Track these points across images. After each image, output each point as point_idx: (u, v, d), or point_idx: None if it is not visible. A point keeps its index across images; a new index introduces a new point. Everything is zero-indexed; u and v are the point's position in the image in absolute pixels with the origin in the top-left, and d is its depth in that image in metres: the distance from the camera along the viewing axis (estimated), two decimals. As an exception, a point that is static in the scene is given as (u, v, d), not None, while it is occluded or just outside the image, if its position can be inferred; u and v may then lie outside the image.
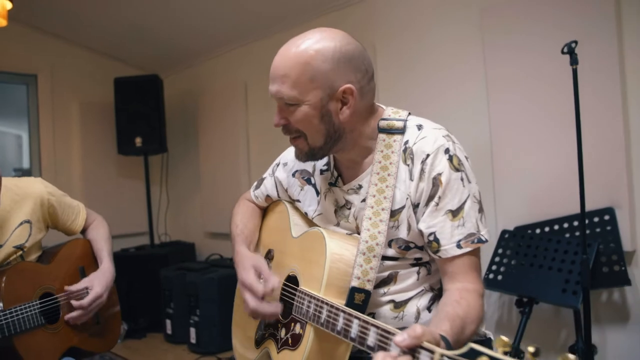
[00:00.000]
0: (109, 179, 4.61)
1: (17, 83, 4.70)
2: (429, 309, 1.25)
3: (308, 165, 1.39)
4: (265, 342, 1.35)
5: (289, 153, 1.47)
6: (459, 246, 1.14)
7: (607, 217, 2.25)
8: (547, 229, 2.42)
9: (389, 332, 0.95)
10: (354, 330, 1.04)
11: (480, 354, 0.78)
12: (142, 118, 4.28)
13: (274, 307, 1.25)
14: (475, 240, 1.15)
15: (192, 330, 3.62)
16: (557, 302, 2.19)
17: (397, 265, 1.23)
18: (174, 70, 4.75)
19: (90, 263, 1.83)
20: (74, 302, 1.61)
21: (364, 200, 1.24)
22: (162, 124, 4.33)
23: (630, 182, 2.25)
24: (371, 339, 0.99)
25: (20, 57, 4.32)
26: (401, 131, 1.21)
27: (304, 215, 1.43)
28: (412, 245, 1.21)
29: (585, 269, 1.83)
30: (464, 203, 1.15)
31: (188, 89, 4.70)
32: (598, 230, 2.26)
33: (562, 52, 1.72)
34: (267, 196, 1.56)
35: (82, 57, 4.60)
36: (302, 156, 1.25)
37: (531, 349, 0.75)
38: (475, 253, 1.17)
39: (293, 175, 1.43)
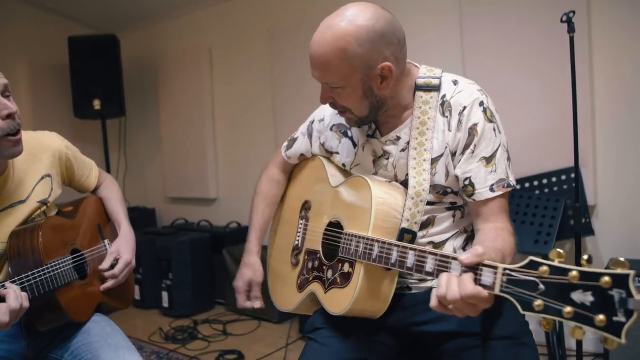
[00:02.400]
0: (63, 144, 4.41)
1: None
2: (464, 248, 1.39)
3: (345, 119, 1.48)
4: (309, 286, 1.44)
5: (324, 110, 1.55)
6: (492, 190, 1.27)
7: (573, 175, 2.49)
8: (518, 186, 2.64)
9: (447, 257, 1.07)
10: (410, 260, 1.15)
11: (541, 264, 0.90)
12: (99, 80, 4.09)
13: (250, 304, 1.62)
14: (506, 185, 1.28)
15: (165, 295, 3.63)
16: (531, 251, 2.43)
17: (435, 209, 1.35)
18: (132, 30, 4.58)
19: (105, 221, 1.82)
20: (106, 273, 1.62)
21: (402, 150, 1.35)
22: (120, 86, 4.18)
23: (594, 144, 2.50)
24: (429, 266, 1.11)
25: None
26: (437, 88, 1.32)
27: (340, 168, 1.53)
28: (449, 190, 1.33)
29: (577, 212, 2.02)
30: (496, 151, 1.28)
31: (147, 51, 4.55)
32: (565, 187, 2.51)
33: (561, 21, 1.88)
34: (301, 155, 1.64)
35: (32, 14, 4.31)
36: (352, 124, 1.39)
37: (585, 257, 0.87)
38: (505, 197, 1.31)
39: (330, 129, 1.51)
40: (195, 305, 3.60)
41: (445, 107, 1.30)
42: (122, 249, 1.68)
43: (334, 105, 1.33)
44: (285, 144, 1.68)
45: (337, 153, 1.50)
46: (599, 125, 2.50)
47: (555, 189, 2.53)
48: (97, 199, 1.84)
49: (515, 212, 2.50)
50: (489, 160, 1.27)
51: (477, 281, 0.98)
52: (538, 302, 0.89)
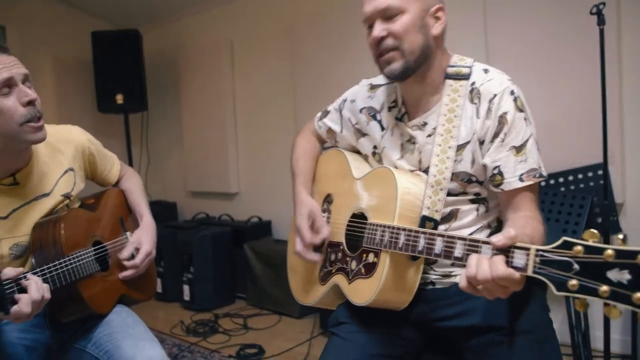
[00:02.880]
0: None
1: (-19, 35, 4.45)
2: None
3: (375, 102, 1.47)
4: (332, 277, 1.43)
5: (356, 91, 1.55)
6: (520, 179, 1.25)
7: (600, 172, 2.44)
8: (543, 183, 2.59)
9: (477, 241, 1.07)
10: (438, 246, 1.14)
11: (575, 244, 0.89)
12: (121, 75, 4.15)
13: (315, 257, 1.45)
14: (537, 175, 1.26)
15: (186, 288, 3.66)
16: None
17: (458, 201, 1.33)
18: (154, 25, 4.61)
19: (126, 213, 1.83)
20: (126, 263, 1.63)
21: (429, 135, 1.33)
22: (142, 81, 4.22)
23: (622, 140, 2.44)
24: (458, 251, 1.10)
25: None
26: (467, 76, 1.31)
27: (363, 159, 1.53)
28: (473, 179, 1.31)
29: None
30: (526, 141, 1.26)
31: (169, 45, 4.57)
32: (591, 184, 2.45)
33: (591, 13, 1.83)
34: (329, 129, 1.62)
35: (57, 10, 4.38)
36: (393, 72, 1.30)
37: (620, 236, 0.86)
38: (535, 187, 1.28)
39: (360, 111, 1.50)
40: (216, 299, 3.63)
41: (474, 93, 1.29)
42: (143, 239, 1.69)
43: (384, 44, 1.29)
44: (319, 114, 1.67)
45: (368, 135, 1.49)
46: (627, 122, 2.44)
47: (582, 185, 2.48)
48: (118, 191, 1.85)
49: (541, 208, 2.45)
50: (518, 149, 1.25)
51: (508, 263, 0.97)
52: (572, 282, 0.88)
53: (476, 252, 1.06)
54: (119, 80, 4.14)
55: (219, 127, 4.20)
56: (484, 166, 1.28)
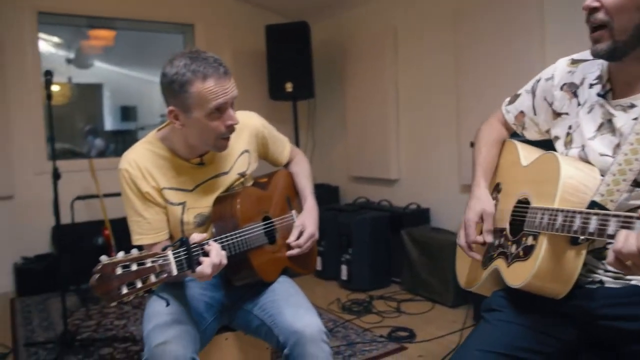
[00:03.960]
0: (260, 123, 4.87)
1: (174, 33, 5.06)
2: None
3: (576, 78, 1.38)
4: (493, 262, 1.42)
5: (553, 68, 1.46)
6: None
7: None
8: None
9: (631, 217, 1.00)
10: (593, 224, 1.08)
11: None
12: (291, 64, 4.44)
13: (476, 256, 1.46)
14: None
15: (344, 268, 3.82)
16: None
17: None
18: (322, 16, 4.83)
19: (293, 194, 1.99)
20: (292, 243, 1.78)
21: (633, 119, 1.21)
22: (310, 70, 4.46)
23: None
24: (612, 228, 1.03)
25: (177, 8, 4.62)
26: None
27: (533, 148, 1.48)
28: None
29: None
30: None
31: (335, 35, 4.78)
32: None
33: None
34: (520, 113, 1.55)
35: (235, 7, 4.83)
36: (598, 52, 1.22)
37: None
38: None
39: (561, 88, 1.42)
40: (371, 281, 3.73)
41: None
42: (307, 222, 1.83)
43: (593, 17, 1.20)
44: (507, 99, 1.62)
45: (567, 114, 1.40)
46: None
47: None
48: (288, 172, 2.02)
49: None
50: None
51: None
52: None
53: (630, 228, 0.99)
54: (289, 70, 4.43)
55: (381, 115, 4.27)
56: None
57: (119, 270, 1.17)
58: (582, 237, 1.14)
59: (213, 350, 1.78)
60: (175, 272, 1.27)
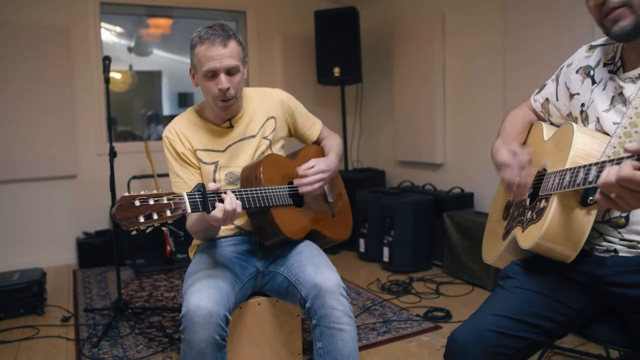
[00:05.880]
0: (308, 107, 4.92)
1: (227, 19, 5.21)
2: None
3: (591, 61, 1.43)
4: (511, 232, 1.46)
5: (574, 56, 1.52)
6: None
7: None
8: None
9: (622, 158, 1.02)
10: (593, 173, 1.11)
11: None
12: (339, 49, 4.50)
13: (524, 179, 1.37)
14: None
15: (386, 250, 3.87)
16: None
17: None
18: (370, 1, 4.86)
19: None
20: (300, 170, 1.82)
21: None
22: (358, 55, 4.51)
23: None
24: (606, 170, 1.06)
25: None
26: None
27: (556, 127, 1.51)
28: None
29: None
30: None
31: (383, 20, 4.79)
32: None
33: None
34: (546, 100, 1.61)
35: (285, -7, 4.93)
36: (623, 29, 1.23)
37: None
38: None
39: (576, 71, 1.48)
40: (412, 263, 3.77)
41: None
42: (321, 160, 1.89)
43: (609, 1, 1.23)
44: (536, 90, 1.68)
45: (578, 94, 1.46)
46: None
47: None
48: (318, 147, 2.13)
49: None
50: None
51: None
52: None
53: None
54: (337, 55, 4.50)
55: (428, 100, 4.27)
56: None
57: (137, 202, 1.35)
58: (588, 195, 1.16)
59: (246, 314, 1.91)
60: (189, 209, 1.44)
